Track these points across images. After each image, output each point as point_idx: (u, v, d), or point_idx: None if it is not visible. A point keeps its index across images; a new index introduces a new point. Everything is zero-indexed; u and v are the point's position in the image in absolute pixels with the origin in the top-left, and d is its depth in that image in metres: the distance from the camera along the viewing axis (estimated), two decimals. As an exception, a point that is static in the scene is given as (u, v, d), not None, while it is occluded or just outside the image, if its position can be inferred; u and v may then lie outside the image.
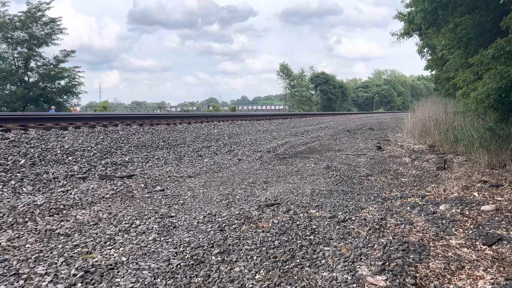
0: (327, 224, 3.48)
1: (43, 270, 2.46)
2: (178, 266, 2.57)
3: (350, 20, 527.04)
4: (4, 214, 3.52)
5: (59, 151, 6.11)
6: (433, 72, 24.40)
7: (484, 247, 2.99)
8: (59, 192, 4.38)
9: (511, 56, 5.91)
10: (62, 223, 3.40)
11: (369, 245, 2.99)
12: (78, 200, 4.12)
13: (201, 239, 3.04)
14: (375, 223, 3.53)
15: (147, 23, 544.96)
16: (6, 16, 34.50)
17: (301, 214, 3.72)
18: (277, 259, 2.72)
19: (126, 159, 6.39)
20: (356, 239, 3.13)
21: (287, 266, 2.61)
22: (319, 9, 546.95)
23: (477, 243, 3.08)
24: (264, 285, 2.35)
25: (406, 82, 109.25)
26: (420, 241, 3.11)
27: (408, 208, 4.11)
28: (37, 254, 2.70)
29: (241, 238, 3.07)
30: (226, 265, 2.61)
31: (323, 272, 2.54)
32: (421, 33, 13.81)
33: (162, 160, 6.74)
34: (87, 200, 4.15)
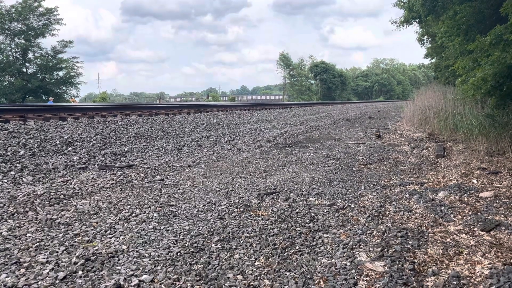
0: (326, 211, 3.50)
1: (44, 258, 2.48)
2: (178, 253, 2.59)
3: (342, 10, 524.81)
4: (4, 204, 3.54)
5: (58, 142, 6.11)
6: (433, 60, 24.25)
7: (482, 233, 3.01)
8: (59, 182, 4.39)
9: (510, 43, 5.88)
10: (63, 212, 3.42)
11: (368, 232, 3.01)
12: (78, 190, 4.13)
13: (201, 227, 3.06)
14: (374, 210, 3.55)
15: (140, 14, 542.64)
16: (2, 7, 34.23)
17: (300, 202, 3.73)
18: (277, 246, 2.74)
19: (126, 149, 6.39)
20: (355, 226, 3.15)
21: (286, 253, 2.63)
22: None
23: (475, 229, 3.10)
24: (263, 272, 2.37)
25: (405, 71, 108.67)
26: (419, 227, 3.13)
27: (407, 195, 4.13)
28: (38, 243, 2.72)
29: (241, 226, 3.09)
30: (226, 253, 2.63)
31: (322, 259, 2.56)
32: (421, 20, 13.70)
33: (162, 150, 6.74)
34: (87, 190, 4.17)
